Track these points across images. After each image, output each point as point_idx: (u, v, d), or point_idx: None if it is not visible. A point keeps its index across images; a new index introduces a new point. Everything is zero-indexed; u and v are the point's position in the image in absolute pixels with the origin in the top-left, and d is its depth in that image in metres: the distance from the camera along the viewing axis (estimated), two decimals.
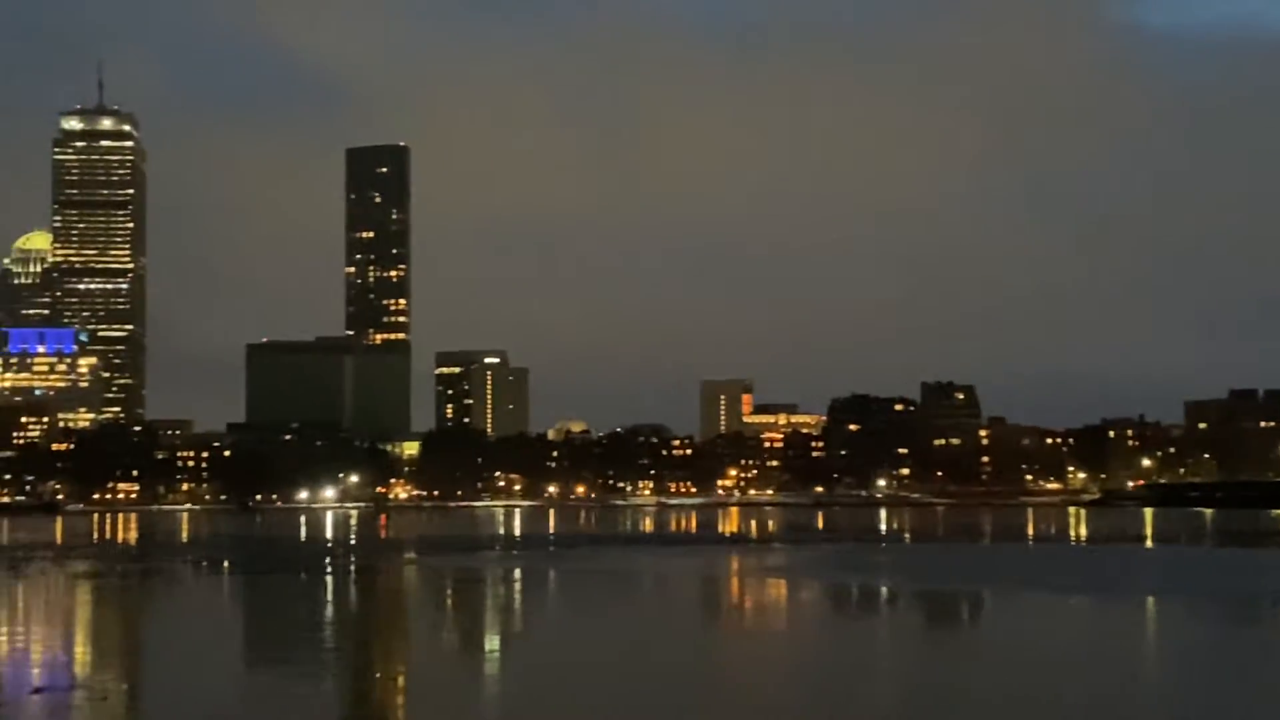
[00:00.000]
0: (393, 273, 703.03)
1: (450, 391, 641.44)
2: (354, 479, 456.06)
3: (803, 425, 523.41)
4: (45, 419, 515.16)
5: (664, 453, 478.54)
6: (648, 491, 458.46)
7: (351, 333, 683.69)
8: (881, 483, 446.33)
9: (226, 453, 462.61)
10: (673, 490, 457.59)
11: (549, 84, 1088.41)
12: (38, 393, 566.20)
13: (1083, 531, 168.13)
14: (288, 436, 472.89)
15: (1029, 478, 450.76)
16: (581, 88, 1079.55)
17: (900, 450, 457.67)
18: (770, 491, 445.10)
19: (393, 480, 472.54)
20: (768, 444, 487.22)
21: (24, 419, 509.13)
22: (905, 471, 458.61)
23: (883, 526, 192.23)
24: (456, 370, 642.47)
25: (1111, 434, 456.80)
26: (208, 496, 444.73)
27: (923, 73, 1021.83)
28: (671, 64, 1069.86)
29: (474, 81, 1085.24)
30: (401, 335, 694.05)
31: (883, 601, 72.85)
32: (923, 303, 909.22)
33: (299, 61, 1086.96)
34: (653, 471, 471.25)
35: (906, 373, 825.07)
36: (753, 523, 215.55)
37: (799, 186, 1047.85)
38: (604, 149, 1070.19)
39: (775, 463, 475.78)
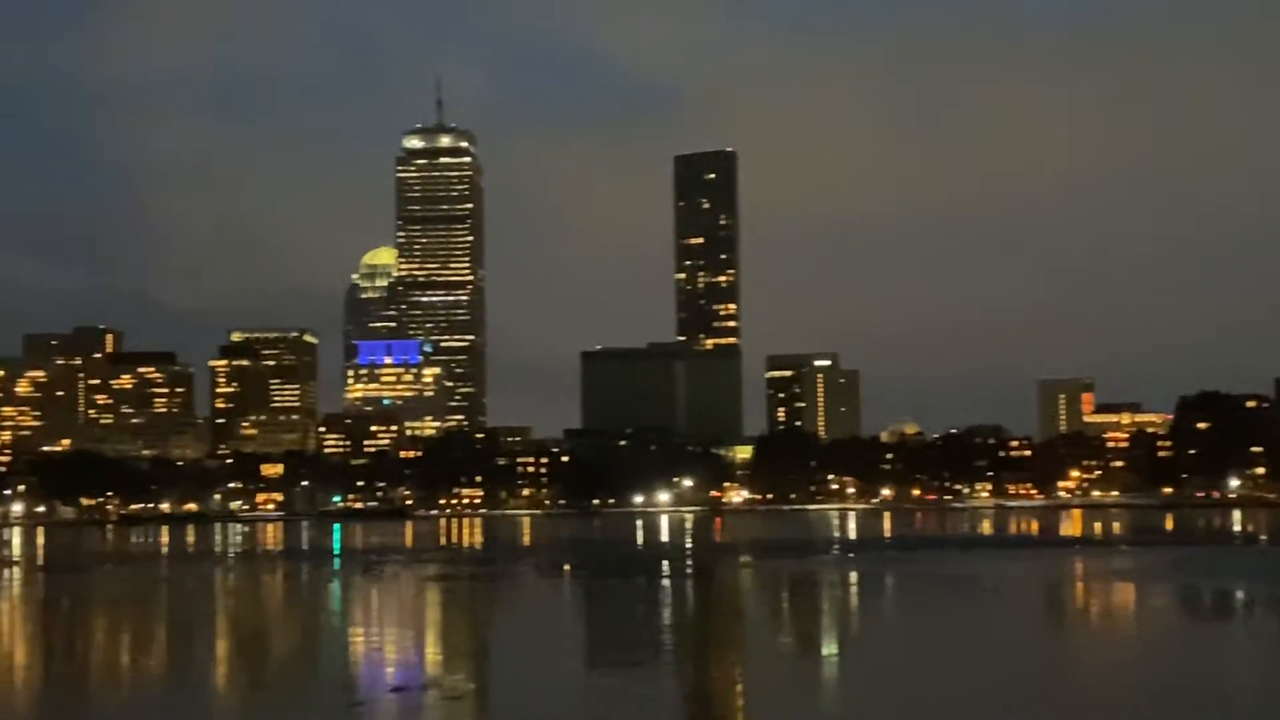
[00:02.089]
0: (722, 278, 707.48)
1: (781, 395, 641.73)
2: (687, 483, 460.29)
3: (1148, 424, 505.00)
4: (394, 427, 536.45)
5: (1001, 454, 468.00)
6: (985, 494, 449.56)
7: (683, 338, 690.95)
8: (1234, 483, 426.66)
9: (564, 458, 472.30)
10: (1011, 492, 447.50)
11: (873, 84, 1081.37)
12: (386, 402, 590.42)
13: None
14: (623, 442, 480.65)
15: None
16: (906, 86, 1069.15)
17: (1254, 449, 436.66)
18: (1114, 493, 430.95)
19: (725, 484, 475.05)
20: (1111, 444, 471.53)
21: (374, 428, 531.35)
22: (1260, 471, 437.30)
23: (1237, 528, 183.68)
24: (788, 373, 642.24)
25: None
26: (547, 501, 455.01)
27: (1253, 64, 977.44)
28: (996, 60, 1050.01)
29: (798, 84, 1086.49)
30: (732, 340, 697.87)
31: (1239, 607, 69.38)
32: (1268, 297, 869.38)
33: (628, 71, 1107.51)
34: (990, 473, 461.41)
35: (1257, 368, 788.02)
36: (1097, 525, 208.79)
37: (1133, 182, 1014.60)
38: (931, 147, 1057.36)
39: (1119, 463, 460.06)
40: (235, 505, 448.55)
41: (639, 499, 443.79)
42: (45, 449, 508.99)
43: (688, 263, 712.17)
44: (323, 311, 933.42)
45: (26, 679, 47.70)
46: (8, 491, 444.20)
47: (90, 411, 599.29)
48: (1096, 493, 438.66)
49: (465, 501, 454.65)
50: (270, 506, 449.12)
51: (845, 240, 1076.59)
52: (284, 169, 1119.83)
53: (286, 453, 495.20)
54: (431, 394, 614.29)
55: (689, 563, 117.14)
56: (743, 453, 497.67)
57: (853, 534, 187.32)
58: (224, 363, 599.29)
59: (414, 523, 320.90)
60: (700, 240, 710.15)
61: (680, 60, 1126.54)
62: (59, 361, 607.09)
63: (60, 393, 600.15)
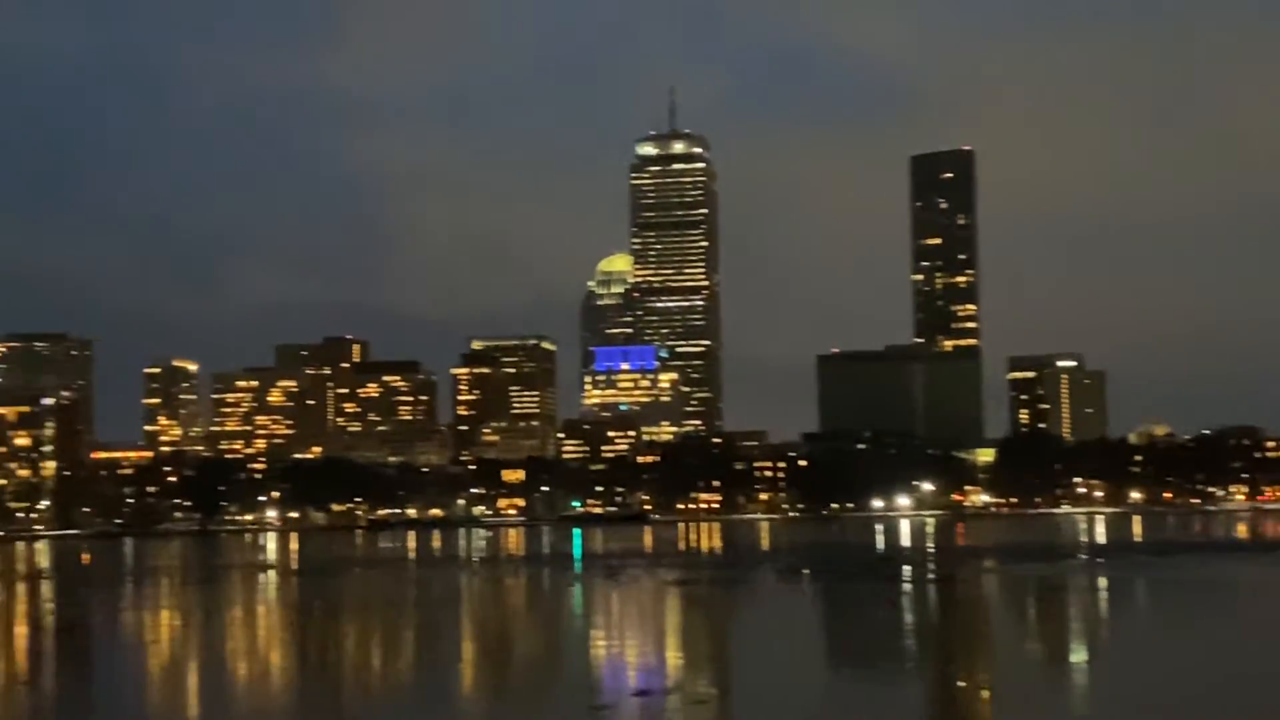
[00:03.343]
0: (961, 278, 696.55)
1: (1024, 396, 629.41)
2: (927, 486, 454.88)
3: None
4: (631, 433, 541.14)
5: (1257, 455, 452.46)
6: (1240, 496, 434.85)
7: (921, 340, 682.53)
8: None
9: (802, 462, 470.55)
10: (1268, 495, 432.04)
11: (1110, 79, 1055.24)
12: (623, 408, 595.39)
13: None
14: (861, 445, 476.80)
15: None
16: (1142, 80, 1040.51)
17: None
18: None
19: (967, 487, 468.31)
20: None
21: (611, 433, 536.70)
22: None
23: None
24: (1030, 375, 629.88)
25: None
26: (784, 505, 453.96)
27: None
28: (1230, 53, 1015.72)
29: (1033, 81, 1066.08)
30: (972, 341, 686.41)
31: None
32: None
33: (860, 71, 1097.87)
34: (1245, 475, 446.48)
35: None
36: None
37: None
38: (1170, 142, 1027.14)
39: None
40: (478, 510, 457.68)
41: (878, 503, 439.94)
42: (297, 456, 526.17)
43: (925, 263, 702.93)
44: (560, 319, 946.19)
45: (283, 679, 49.10)
46: (262, 498, 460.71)
47: (339, 419, 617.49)
48: None
49: (703, 506, 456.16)
50: (512, 512, 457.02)
51: (1087, 238, 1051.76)
52: (520, 178, 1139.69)
53: (527, 459, 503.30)
54: (668, 399, 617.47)
55: (931, 567, 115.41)
56: (984, 456, 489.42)
57: (1101, 538, 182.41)
58: (465, 371, 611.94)
59: (652, 527, 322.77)
60: (937, 240, 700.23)
61: (916, 60, 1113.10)
62: (309, 371, 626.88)
63: (310, 402, 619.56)
